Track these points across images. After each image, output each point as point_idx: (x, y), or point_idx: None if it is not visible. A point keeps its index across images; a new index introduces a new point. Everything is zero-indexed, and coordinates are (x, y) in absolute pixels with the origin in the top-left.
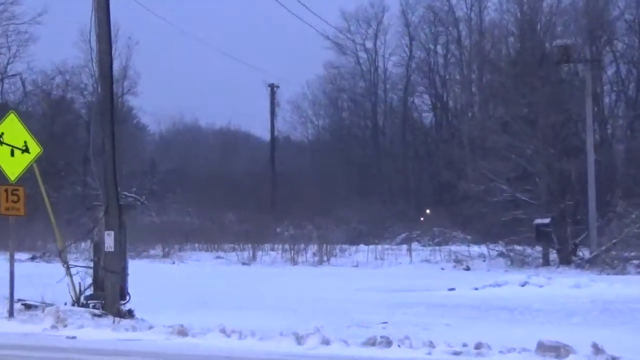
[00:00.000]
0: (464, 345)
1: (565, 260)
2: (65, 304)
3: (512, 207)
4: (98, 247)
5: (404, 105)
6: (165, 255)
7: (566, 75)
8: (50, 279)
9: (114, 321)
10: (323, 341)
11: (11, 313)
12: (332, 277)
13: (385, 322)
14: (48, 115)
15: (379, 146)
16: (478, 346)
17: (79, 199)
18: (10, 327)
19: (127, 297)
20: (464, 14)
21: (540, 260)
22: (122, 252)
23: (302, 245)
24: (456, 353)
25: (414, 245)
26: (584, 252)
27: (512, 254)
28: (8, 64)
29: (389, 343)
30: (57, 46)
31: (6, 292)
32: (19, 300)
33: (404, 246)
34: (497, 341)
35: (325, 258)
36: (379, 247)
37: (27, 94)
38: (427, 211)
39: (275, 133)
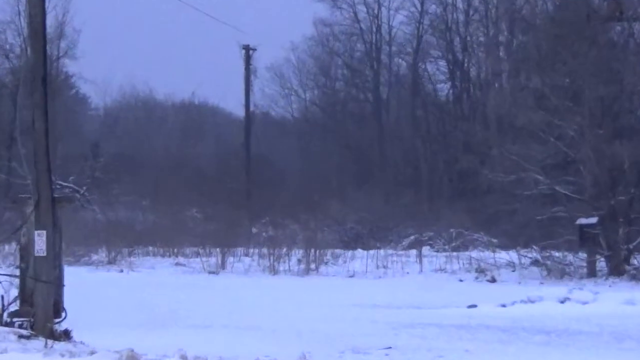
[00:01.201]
0: None
1: (616, 270)
2: None
3: (550, 202)
4: (26, 250)
5: (414, 73)
6: (112, 261)
7: (618, 37)
8: None
9: (46, 344)
10: None
11: None
12: (322, 289)
13: (389, 348)
14: None
15: (382, 125)
16: None
17: (2, 190)
18: None
19: (63, 314)
20: None
21: (585, 270)
22: (56, 257)
23: (285, 250)
24: None
25: (426, 250)
26: None
27: (549, 262)
28: None
29: None
30: None
31: None
32: None
33: (413, 251)
34: None
35: (313, 266)
36: (382, 252)
37: None
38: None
39: (252, 108)
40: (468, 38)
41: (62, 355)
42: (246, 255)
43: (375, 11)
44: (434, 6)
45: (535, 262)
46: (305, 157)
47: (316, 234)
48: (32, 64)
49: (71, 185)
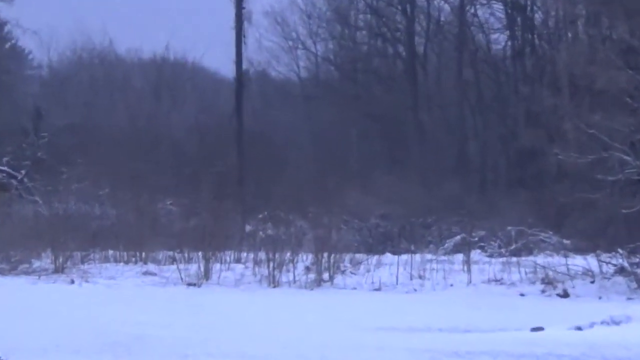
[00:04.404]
0: None
1: None
2: None
3: None
4: None
5: (460, 19)
6: (59, 269)
7: None
8: None
9: None
10: None
11: None
12: (338, 307)
13: None
14: None
15: (417, 89)
16: None
17: None
18: None
19: None
20: None
21: None
22: None
23: (288, 255)
24: None
25: (476, 254)
26: None
27: (639, 270)
28: None
29: None
30: None
31: None
32: None
33: (459, 256)
34: None
35: (326, 275)
36: (417, 257)
37: None
38: None
39: (244, 66)
40: None
41: None
42: (238, 261)
43: None
44: None
45: (620, 271)
46: (316, 131)
47: (330, 233)
48: None
49: (5, 168)
